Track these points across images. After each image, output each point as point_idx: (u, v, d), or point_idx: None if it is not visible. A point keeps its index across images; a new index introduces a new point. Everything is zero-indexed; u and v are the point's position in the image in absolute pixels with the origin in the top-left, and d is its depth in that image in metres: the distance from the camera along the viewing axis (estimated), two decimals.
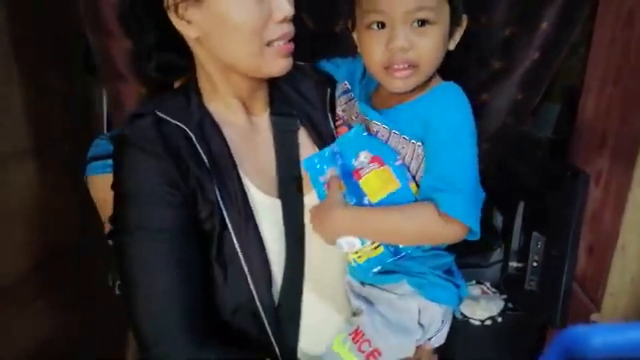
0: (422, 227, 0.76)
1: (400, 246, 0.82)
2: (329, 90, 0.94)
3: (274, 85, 0.89)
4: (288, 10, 0.77)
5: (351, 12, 0.84)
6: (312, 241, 0.84)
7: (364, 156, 0.81)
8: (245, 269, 0.77)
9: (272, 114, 0.89)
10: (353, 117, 0.89)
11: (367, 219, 0.79)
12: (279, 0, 0.76)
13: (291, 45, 0.81)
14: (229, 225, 0.77)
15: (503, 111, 1.17)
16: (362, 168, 0.81)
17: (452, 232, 0.75)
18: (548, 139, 1.40)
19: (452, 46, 0.81)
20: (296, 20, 1.12)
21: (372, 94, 0.89)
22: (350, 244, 0.80)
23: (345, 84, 0.93)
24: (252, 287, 0.78)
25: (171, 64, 0.85)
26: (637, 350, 0.29)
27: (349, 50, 1.08)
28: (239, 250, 0.77)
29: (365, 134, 0.82)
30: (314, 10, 1.08)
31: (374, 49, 0.77)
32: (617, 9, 1.09)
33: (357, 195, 0.81)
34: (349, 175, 0.82)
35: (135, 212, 0.76)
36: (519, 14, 1.07)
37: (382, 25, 0.76)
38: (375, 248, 0.82)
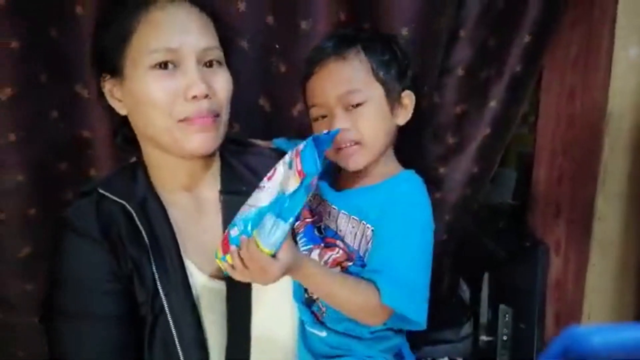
0: (360, 305, 0.75)
1: None
2: None
3: (224, 162, 0.89)
4: (199, 88, 0.74)
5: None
6: (259, 326, 0.81)
7: None
8: (181, 355, 0.75)
9: (222, 192, 0.87)
10: (310, 199, 0.89)
11: (314, 275, 0.74)
12: (191, 79, 0.75)
13: (207, 120, 0.77)
14: (167, 310, 0.75)
15: (461, 183, 1.19)
16: None
17: (384, 317, 0.76)
18: (508, 205, 1.42)
19: (400, 121, 0.84)
20: (252, 103, 1.13)
21: (341, 173, 0.90)
22: None
23: None
24: None
25: (134, 139, 0.85)
26: (636, 350, 0.29)
27: (305, 132, 1.09)
28: (175, 336, 0.75)
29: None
30: (271, 94, 1.10)
31: None
32: (560, 86, 1.15)
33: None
34: None
35: (72, 299, 0.76)
36: (468, 92, 1.11)
37: (324, 116, 0.82)
38: None
